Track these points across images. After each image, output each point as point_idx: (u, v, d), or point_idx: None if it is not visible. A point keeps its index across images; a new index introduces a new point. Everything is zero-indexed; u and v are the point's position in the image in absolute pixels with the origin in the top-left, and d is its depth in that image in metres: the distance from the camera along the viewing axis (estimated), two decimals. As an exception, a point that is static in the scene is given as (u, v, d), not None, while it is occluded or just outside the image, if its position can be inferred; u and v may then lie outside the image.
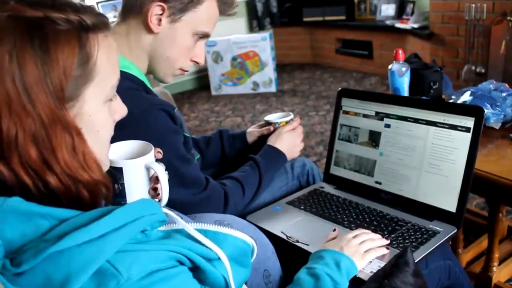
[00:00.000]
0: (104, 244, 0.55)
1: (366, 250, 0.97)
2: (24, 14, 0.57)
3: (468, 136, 1.10)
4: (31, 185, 0.58)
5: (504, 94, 1.43)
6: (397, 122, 1.24)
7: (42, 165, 0.58)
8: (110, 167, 0.75)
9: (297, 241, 1.10)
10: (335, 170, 1.38)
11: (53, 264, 0.53)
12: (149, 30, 1.10)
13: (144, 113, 1.04)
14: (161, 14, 1.09)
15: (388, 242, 1.03)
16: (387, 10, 4.82)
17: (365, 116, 1.32)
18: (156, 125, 1.06)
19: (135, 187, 0.81)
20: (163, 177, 0.81)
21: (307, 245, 1.08)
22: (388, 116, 1.26)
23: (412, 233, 1.08)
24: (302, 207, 1.26)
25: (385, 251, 1.00)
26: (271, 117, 1.46)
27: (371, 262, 0.97)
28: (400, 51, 1.52)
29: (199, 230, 0.69)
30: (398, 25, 4.44)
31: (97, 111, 0.64)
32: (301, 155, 1.46)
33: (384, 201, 1.23)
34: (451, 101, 1.51)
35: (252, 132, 1.48)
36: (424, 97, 1.54)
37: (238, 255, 0.74)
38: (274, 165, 1.33)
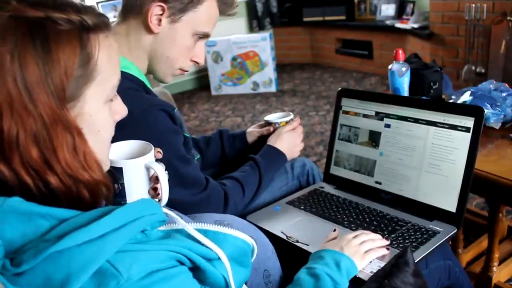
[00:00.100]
0: (104, 244, 0.55)
1: (366, 251, 0.97)
2: (25, 14, 0.57)
3: (468, 136, 1.10)
4: (32, 185, 0.58)
5: (504, 94, 1.43)
6: (397, 122, 1.24)
7: (43, 165, 0.58)
8: (110, 167, 0.75)
9: (297, 241, 1.10)
10: (335, 170, 1.38)
11: (53, 264, 0.53)
12: (149, 30, 1.10)
13: (144, 114, 1.04)
14: (161, 14, 1.09)
15: (388, 242, 1.03)
16: (387, 10, 4.82)
17: (365, 116, 1.32)
18: (156, 125, 1.06)
19: (135, 187, 0.81)
20: (163, 177, 0.81)
21: (307, 245, 1.08)
22: (388, 116, 1.26)
23: (412, 233, 1.09)
24: (302, 207, 1.26)
25: (385, 251, 1.00)
26: (271, 117, 1.46)
27: (371, 262, 0.97)
28: (400, 51, 1.52)
29: (199, 230, 0.69)
30: (398, 25, 4.44)
31: (97, 111, 0.64)
32: (301, 155, 1.46)
33: (384, 201, 1.24)
34: (451, 101, 1.51)
35: (252, 132, 1.48)
36: (424, 97, 1.54)
37: (238, 255, 0.74)
38: (274, 165, 1.33)
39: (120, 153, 0.83)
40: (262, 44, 4.55)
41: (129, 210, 0.59)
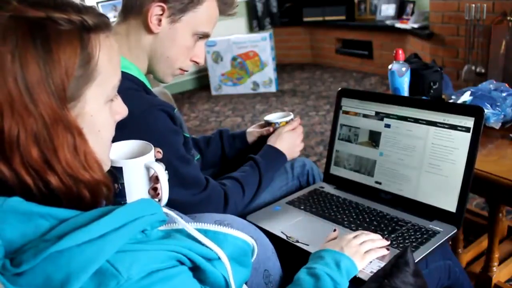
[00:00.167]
0: (104, 244, 0.55)
1: (367, 251, 0.97)
2: (26, 14, 0.57)
3: (468, 136, 1.10)
4: (32, 185, 0.58)
5: (504, 94, 1.43)
6: (397, 122, 1.24)
7: (44, 165, 0.58)
8: (110, 166, 0.75)
9: (297, 241, 1.10)
10: (335, 170, 1.38)
11: (53, 264, 0.53)
12: (149, 31, 1.10)
13: (144, 114, 1.04)
14: (161, 15, 1.09)
15: (388, 242, 1.03)
16: (387, 10, 4.82)
17: (365, 116, 1.32)
18: (156, 125, 1.06)
19: (135, 187, 0.81)
20: (163, 176, 0.81)
21: (307, 245, 1.08)
22: (388, 116, 1.26)
23: (412, 233, 1.09)
24: (302, 207, 1.26)
25: (385, 251, 1.00)
26: (271, 117, 1.46)
27: (371, 262, 0.97)
28: (400, 51, 1.52)
29: (199, 230, 0.69)
30: (398, 25, 4.44)
31: (98, 111, 0.64)
32: (301, 155, 1.46)
33: (384, 201, 1.24)
34: (451, 101, 1.51)
35: (252, 132, 1.48)
36: (424, 97, 1.54)
37: (238, 255, 0.74)
38: (274, 165, 1.33)
39: (120, 153, 0.83)
40: (262, 44, 4.55)
41: (129, 210, 0.59)
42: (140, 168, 0.81)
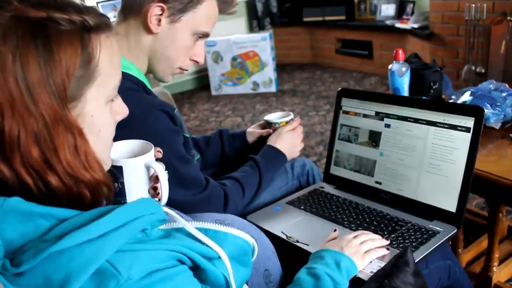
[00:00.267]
0: (104, 244, 0.55)
1: (367, 251, 0.97)
2: (27, 14, 0.57)
3: (468, 136, 1.10)
4: (32, 185, 0.58)
5: (504, 94, 1.43)
6: (397, 122, 1.24)
7: (44, 165, 0.58)
8: (110, 166, 0.75)
9: (297, 241, 1.10)
10: (335, 170, 1.38)
11: (53, 264, 0.53)
12: (149, 31, 1.10)
13: (144, 114, 1.04)
14: (161, 15, 1.09)
15: (388, 242, 1.03)
16: (387, 10, 4.82)
17: (365, 116, 1.32)
18: (156, 125, 1.06)
19: (135, 186, 0.81)
20: (163, 176, 0.81)
21: (307, 245, 1.08)
22: (388, 116, 1.26)
23: (412, 233, 1.09)
24: (302, 207, 1.26)
25: (385, 251, 1.00)
26: (271, 117, 1.46)
27: (371, 262, 0.97)
28: (400, 51, 1.52)
29: (200, 229, 0.69)
30: (398, 25, 4.44)
31: (99, 111, 0.64)
32: (301, 155, 1.46)
33: (384, 201, 1.24)
34: (451, 101, 1.51)
35: (252, 132, 1.48)
36: (424, 97, 1.54)
37: (239, 254, 0.74)
38: (274, 165, 1.33)
39: (120, 152, 0.83)
40: (262, 44, 4.55)
41: (129, 209, 0.59)
42: (140, 167, 0.81)
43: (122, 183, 0.80)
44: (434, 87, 1.55)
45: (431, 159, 1.16)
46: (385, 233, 1.09)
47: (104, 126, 0.66)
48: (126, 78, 1.05)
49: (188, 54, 1.17)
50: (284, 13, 5.59)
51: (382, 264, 0.96)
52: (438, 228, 1.09)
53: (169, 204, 0.85)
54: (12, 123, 0.56)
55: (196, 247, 0.64)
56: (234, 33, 4.79)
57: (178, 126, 1.12)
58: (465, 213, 1.11)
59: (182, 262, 0.62)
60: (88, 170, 0.61)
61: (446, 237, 1.07)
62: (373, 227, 1.13)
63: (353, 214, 1.20)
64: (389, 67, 1.53)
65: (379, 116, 1.28)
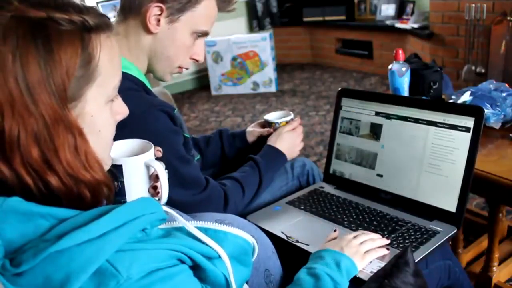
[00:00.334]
0: (104, 243, 0.55)
1: (367, 251, 0.97)
2: (27, 14, 0.57)
3: (468, 136, 1.10)
4: (32, 185, 0.58)
5: (504, 94, 1.43)
6: (397, 122, 1.24)
7: (44, 165, 0.58)
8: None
9: (297, 241, 1.10)
10: (336, 164, 1.38)
11: (52, 264, 0.53)
12: (148, 31, 1.10)
13: (144, 114, 1.04)
14: (160, 15, 1.09)
15: (388, 242, 1.03)
16: (387, 10, 4.82)
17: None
18: (156, 125, 1.06)
19: (135, 185, 0.81)
20: (163, 175, 0.81)
21: (307, 245, 1.08)
22: (388, 116, 1.26)
23: (412, 233, 1.08)
24: (302, 207, 1.26)
25: (385, 251, 1.00)
26: (270, 116, 1.46)
27: (371, 262, 0.97)
28: (400, 51, 1.52)
29: (200, 228, 0.69)
30: (398, 25, 4.44)
31: (99, 111, 0.64)
32: (301, 155, 1.46)
33: (384, 201, 1.23)
34: (451, 101, 1.51)
35: (252, 131, 1.48)
36: (424, 97, 1.54)
37: (239, 254, 0.74)
38: (274, 165, 1.33)
39: (120, 152, 0.83)
40: (262, 44, 4.55)
41: (128, 209, 0.59)
42: (140, 166, 0.81)
43: (122, 182, 0.80)
44: (434, 87, 1.55)
45: (431, 159, 1.16)
46: (385, 233, 1.09)
47: (104, 126, 0.66)
48: (126, 78, 1.05)
49: (188, 53, 1.17)
50: (284, 13, 5.59)
51: (382, 264, 0.96)
52: (438, 228, 1.09)
53: (169, 204, 0.85)
54: (12, 123, 0.56)
55: (196, 247, 0.64)
56: (234, 33, 4.79)
57: (178, 126, 1.12)
58: (465, 213, 1.11)
59: (182, 262, 0.62)
60: (88, 170, 0.61)
61: (446, 237, 1.07)
62: (373, 227, 1.13)
63: (353, 214, 1.20)
64: (389, 67, 1.53)
65: (379, 116, 1.28)
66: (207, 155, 1.45)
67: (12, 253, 0.55)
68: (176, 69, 1.19)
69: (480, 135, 1.09)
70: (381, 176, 1.26)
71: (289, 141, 1.37)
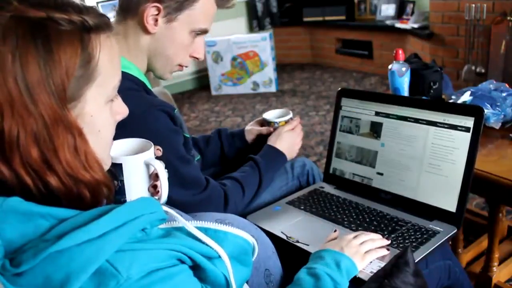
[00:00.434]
0: (104, 243, 0.55)
1: (367, 251, 0.97)
2: (26, 14, 0.57)
3: (468, 136, 1.10)
4: (32, 185, 0.58)
5: (504, 94, 1.43)
6: (397, 122, 1.24)
7: (43, 165, 0.58)
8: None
9: (297, 241, 1.10)
10: (336, 163, 1.38)
11: (52, 264, 0.53)
12: (146, 31, 1.10)
13: (144, 114, 1.04)
14: (157, 15, 1.08)
15: (388, 242, 1.03)
16: (387, 10, 4.82)
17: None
18: (156, 125, 1.06)
19: (135, 184, 0.81)
20: (163, 174, 0.81)
21: (307, 245, 1.08)
22: (388, 116, 1.26)
23: (412, 233, 1.08)
24: (302, 207, 1.26)
25: (385, 251, 1.00)
26: (269, 115, 1.46)
27: (371, 262, 0.97)
28: (400, 51, 1.52)
29: (200, 228, 0.69)
30: (398, 25, 4.44)
31: (98, 111, 0.64)
32: (301, 155, 1.46)
33: (384, 201, 1.23)
34: (451, 101, 1.51)
35: (251, 130, 1.47)
36: (424, 97, 1.54)
37: (239, 254, 0.74)
38: (274, 165, 1.33)
39: (119, 151, 0.83)
40: (262, 44, 4.55)
41: (128, 208, 0.59)
42: (140, 165, 0.81)
43: (122, 181, 0.80)
44: (434, 87, 1.55)
45: (431, 159, 1.16)
46: (385, 233, 1.09)
47: (104, 126, 0.66)
48: (126, 78, 1.05)
49: (188, 51, 1.16)
50: (284, 13, 5.59)
51: (382, 264, 0.96)
52: (438, 228, 1.09)
53: (169, 204, 0.85)
54: (12, 123, 0.56)
55: (196, 246, 0.64)
56: (234, 33, 4.79)
57: (178, 126, 1.12)
58: (465, 213, 1.11)
59: (182, 262, 0.62)
60: (88, 170, 0.61)
61: (446, 237, 1.07)
62: (373, 227, 1.13)
63: (353, 214, 1.20)
64: (389, 67, 1.53)
65: (379, 116, 1.28)
66: (206, 155, 1.45)
67: (12, 253, 0.55)
68: (176, 67, 1.19)
69: (480, 135, 1.09)
70: (381, 174, 1.26)
71: (289, 141, 1.37)
